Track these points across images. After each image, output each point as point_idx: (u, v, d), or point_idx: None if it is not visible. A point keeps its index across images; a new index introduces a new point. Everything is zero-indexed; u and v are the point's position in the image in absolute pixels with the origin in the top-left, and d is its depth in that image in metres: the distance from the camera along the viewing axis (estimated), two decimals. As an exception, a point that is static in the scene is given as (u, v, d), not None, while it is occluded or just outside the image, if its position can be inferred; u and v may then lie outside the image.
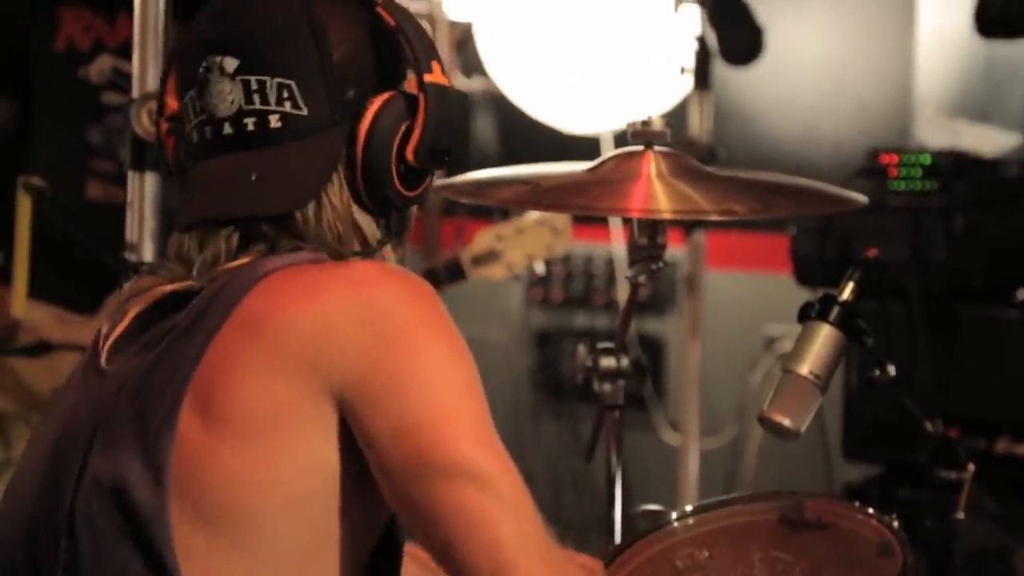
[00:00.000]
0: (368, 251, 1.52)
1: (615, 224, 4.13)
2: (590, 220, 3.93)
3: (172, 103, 1.58)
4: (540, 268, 3.10)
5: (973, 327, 3.13)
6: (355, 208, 1.50)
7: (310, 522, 1.42)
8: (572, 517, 3.83)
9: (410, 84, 1.52)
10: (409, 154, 1.49)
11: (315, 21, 1.49)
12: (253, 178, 1.47)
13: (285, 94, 1.47)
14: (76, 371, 1.55)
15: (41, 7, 2.94)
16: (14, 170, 2.63)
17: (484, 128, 4.46)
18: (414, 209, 1.60)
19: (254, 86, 1.47)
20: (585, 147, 3.84)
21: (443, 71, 1.52)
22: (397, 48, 1.52)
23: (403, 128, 1.49)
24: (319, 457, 1.41)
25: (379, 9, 1.52)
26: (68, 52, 2.91)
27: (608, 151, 2.00)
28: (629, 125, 1.94)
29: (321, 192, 1.48)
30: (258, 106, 1.48)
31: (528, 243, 3.02)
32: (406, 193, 1.52)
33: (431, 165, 1.52)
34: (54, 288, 2.70)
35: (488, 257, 3.02)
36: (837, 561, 1.84)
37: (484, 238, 3.03)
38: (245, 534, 1.40)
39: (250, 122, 1.48)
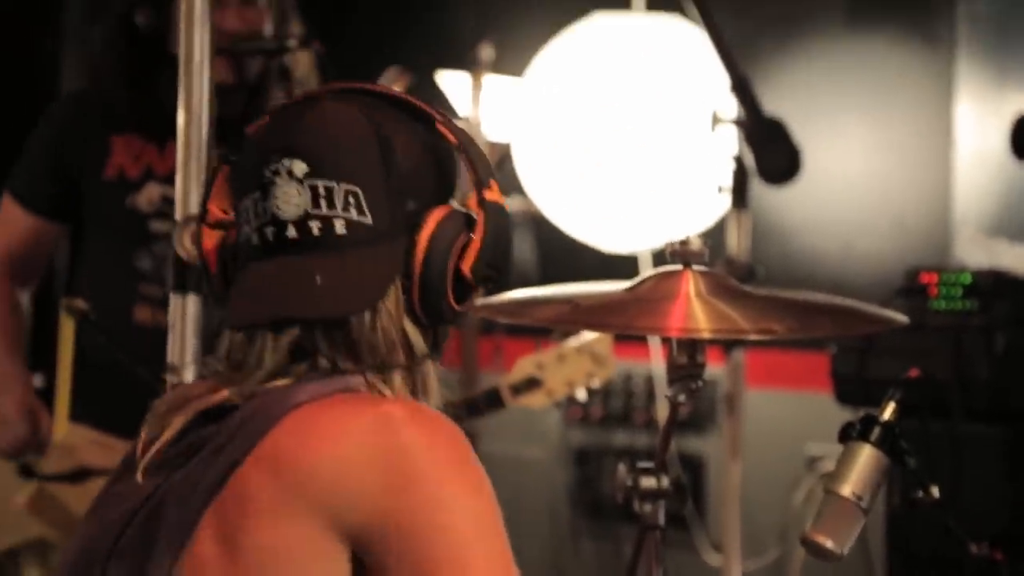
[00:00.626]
0: (414, 363, 1.53)
1: (654, 343, 4.12)
2: (629, 339, 3.93)
3: (216, 210, 1.60)
4: (581, 396, 3.09)
5: (1017, 446, 3.10)
6: (406, 319, 1.52)
7: None
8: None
9: (466, 200, 1.55)
10: (465, 268, 1.52)
11: (382, 134, 1.51)
12: (318, 281, 1.48)
13: (351, 200, 1.49)
14: (111, 479, 1.55)
15: (94, 134, 2.98)
16: (60, 293, 2.65)
17: (523, 248, 4.48)
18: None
19: (322, 191, 1.49)
20: (624, 266, 3.85)
21: (500, 189, 1.55)
22: (455, 164, 1.56)
23: (461, 243, 1.52)
24: None
25: (440, 127, 1.55)
26: (118, 179, 2.95)
27: (647, 270, 2.00)
28: (667, 244, 1.95)
29: (379, 300, 1.50)
30: (324, 211, 1.49)
31: (569, 371, 3.01)
32: (456, 307, 1.54)
33: (484, 281, 1.55)
34: (95, 412, 2.71)
35: (528, 385, 3.01)
36: None
37: (524, 366, 3.03)
38: None
39: (315, 226, 1.49)
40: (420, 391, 1.54)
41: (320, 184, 1.49)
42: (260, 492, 1.40)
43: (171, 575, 1.40)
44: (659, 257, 3.71)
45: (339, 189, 1.49)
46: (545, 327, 2.03)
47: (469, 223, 1.53)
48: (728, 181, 3.20)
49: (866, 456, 1.85)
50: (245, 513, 1.40)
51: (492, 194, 1.54)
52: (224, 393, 1.49)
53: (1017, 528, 3.04)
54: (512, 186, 4.24)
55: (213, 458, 1.44)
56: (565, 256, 4.18)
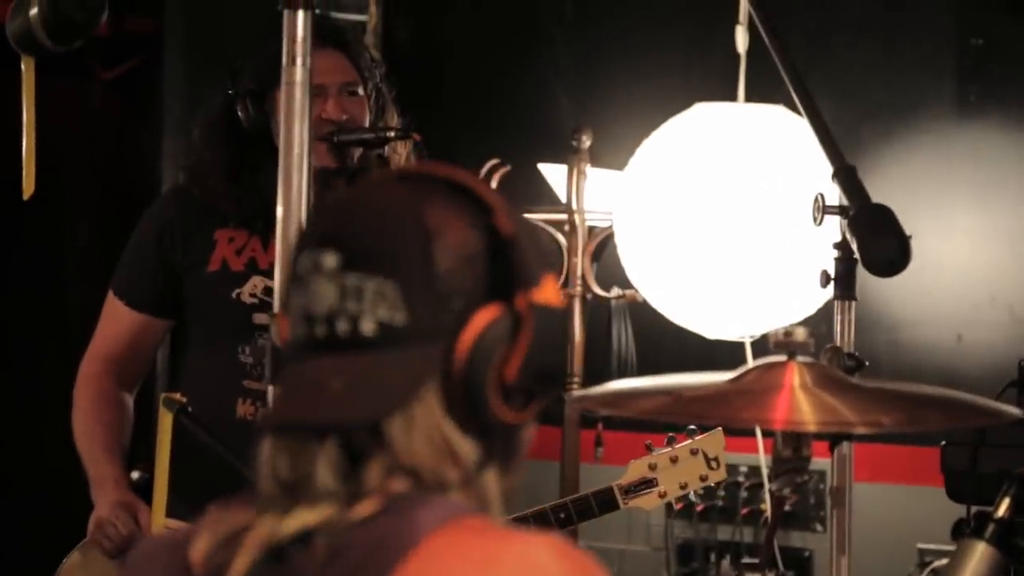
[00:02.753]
0: (466, 477, 1.42)
1: (758, 434, 4.06)
2: (733, 431, 3.87)
3: None
4: (694, 498, 3.05)
5: None
6: (450, 428, 1.41)
7: None
8: None
9: (519, 299, 1.43)
10: (509, 375, 1.41)
11: (428, 224, 1.42)
12: (336, 386, 1.39)
13: (384, 297, 1.39)
14: None
15: (197, 229, 3.00)
16: (160, 387, 2.66)
17: (623, 336, 4.44)
18: (526, 436, 1.51)
19: (350, 287, 1.39)
20: (728, 354, 3.80)
21: (555, 286, 1.45)
22: (511, 260, 1.44)
23: (505, 346, 1.41)
24: None
25: (496, 217, 1.44)
26: (222, 273, 2.96)
27: (749, 360, 1.97)
28: (772, 335, 1.92)
29: (410, 405, 1.39)
30: (352, 309, 1.40)
31: (683, 473, 2.98)
32: (508, 416, 1.43)
33: (535, 387, 1.44)
34: (193, 507, 2.71)
35: (641, 487, 2.98)
36: None
37: (637, 468, 3.00)
38: None
39: (341, 325, 1.40)
40: (479, 506, 1.43)
41: (349, 279, 1.40)
42: None
43: None
44: (761, 345, 3.67)
45: (370, 285, 1.39)
46: (647, 419, 2.00)
47: (517, 325, 1.41)
48: (833, 270, 3.15)
49: (980, 554, 1.80)
50: None
51: (543, 294, 1.43)
52: (303, 521, 1.38)
53: None
54: (613, 275, 4.22)
55: None
56: (667, 345, 4.14)
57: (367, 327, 1.40)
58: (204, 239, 3.00)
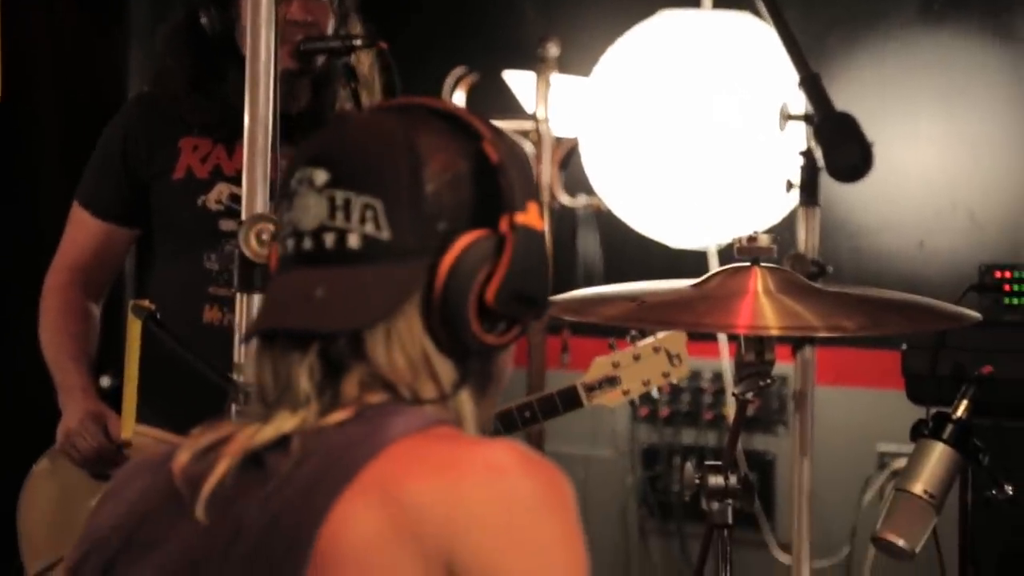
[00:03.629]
0: (442, 395, 1.45)
1: (723, 339, 4.10)
2: (698, 336, 3.91)
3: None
4: (656, 394, 3.09)
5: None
6: (430, 346, 1.44)
7: None
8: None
9: (503, 223, 1.46)
10: (489, 296, 1.43)
11: (415, 148, 1.45)
12: (318, 294, 1.42)
13: (369, 215, 1.43)
14: (153, 511, 1.47)
15: (161, 137, 2.99)
16: (128, 295, 2.66)
17: (589, 244, 4.46)
18: (504, 362, 1.53)
19: (339, 202, 1.44)
20: (692, 262, 3.83)
21: (540, 213, 1.48)
22: (496, 184, 1.47)
23: (487, 269, 1.44)
24: None
25: (486, 145, 1.47)
26: (187, 180, 2.95)
27: (715, 266, 1.99)
28: (736, 241, 1.94)
29: (391, 320, 1.43)
30: (339, 223, 1.44)
31: (645, 370, 3.00)
32: (487, 338, 1.45)
33: (514, 311, 1.46)
34: (163, 412, 2.72)
35: (604, 385, 3.01)
36: None
37: (600, 366, 3.02)
38: None
39: (329, 238, 1.44)
40: (454, 425, 1.46)
41: (338, 194, 1.44)
42: (367, 525, 1.34)
43: None
44: (727, 253, 3.69)
45: (357, 201, 1.43)
46: (612, 325, 2.02)
47: (500, 248, 1.44)
48: (797, 177, 3.17)
49: (938, 454, 1.84)
50: (350, 551, 1.34)
51: (527, 218, 1.45)
52: (279, 427, 1.42)
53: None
54: (579, 183, 4.23)
55: (306, 496, 1.37)
56: (632, 253, 4.16)
57: (353, 241, 1.43)
58: (169, 147, 2.99)
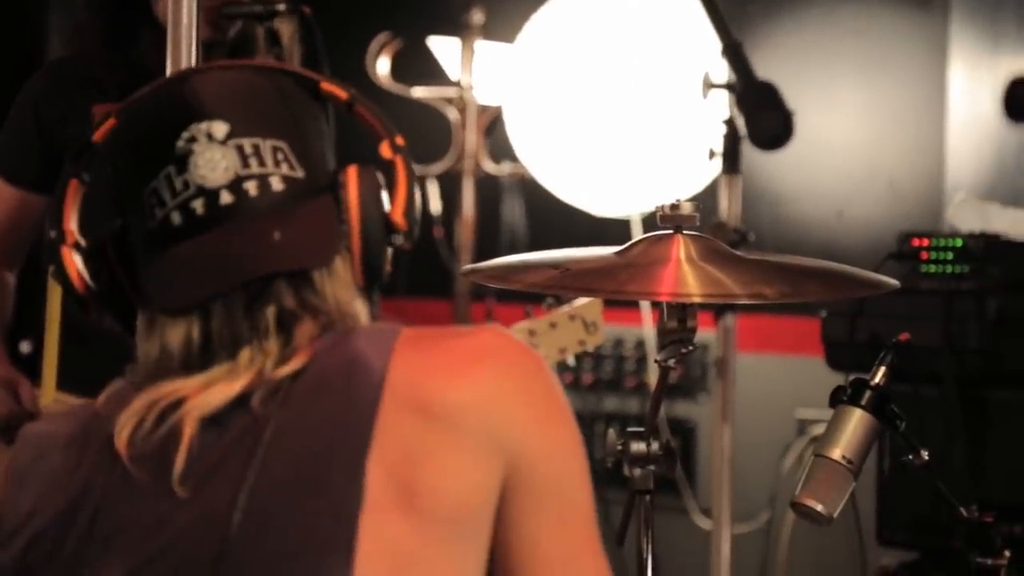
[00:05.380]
0: (367, 321, 1.46)
1: (645, 307, 4.12)
2: (620, 303, 3.93)
3: (74, 228, 1.50)
4: (571, 361, 3.10)
5: (1007, 411, 3.10)
6: (353, 278, 1.44)
7: None
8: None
9: (384, 149, 1.47)
10: (398, 217, 1.44)
11: (285, 94, 1.46)
12: (276, 237, 1.39)
13: (280, 156, 1.41)
14: (102, 495, 1.39)
15: (75, 102, 2.95)
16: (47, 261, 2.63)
17: (513, 212, 4.47)
18: None
19: (248, 149, 1.41)
20: (616, 231, 3.84)
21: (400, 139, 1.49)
22: (353, 122, 1.49)
23: (386, 194, 1.44)
24: (486, 551, 1.37)
25: (326, 87, 1.48)
26: None
27: (637, 234, 2.00)
28: (658, 209, 1.95)
29: (334, 257, 1.42)
30: (256, 170, 1.41)
31: (561, 338, 3.02)
32: (388, 267, 1.47)
33: (412, 234, 1.46)
34: (82, 379, 2.70)
35: None
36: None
37: (516, 333, 3.03)
38: None
39: (251, 187, 1.40)
40: None
41: (245, 142, 1.41)
42: (422, 442, 1.33)
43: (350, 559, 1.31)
44: (650, 222, 3.71)
45: (265, 145, 1.41)
46: (535, 292, 2.03)
47: (386, 175, 1.45)
48: (719, 145, 3.19)
49: (856, 420, 1.86)
50: (424, 471, 1.32)
51: (402, 140, 1.47)
52: (237, 385, 1.37)
53: (1008, 492, 3.04)
54: (503, 151, 4.23)
55: (331, 424, 1.34)
56: (556, 221, 4.18)
57: (276, 184, 1.41)
58: (83, 112, 2.95)
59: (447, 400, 1.34)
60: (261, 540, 1.33)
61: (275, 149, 1.41)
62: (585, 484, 1.41)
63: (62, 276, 1.50)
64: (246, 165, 1.41)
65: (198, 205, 1.41)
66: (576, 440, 1.41)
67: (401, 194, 1.45)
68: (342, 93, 1.49)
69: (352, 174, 1.43)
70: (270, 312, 1.39)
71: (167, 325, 1.42)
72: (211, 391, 1.37)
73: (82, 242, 1.49)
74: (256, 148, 1.41)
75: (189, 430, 1.36)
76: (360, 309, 1.44)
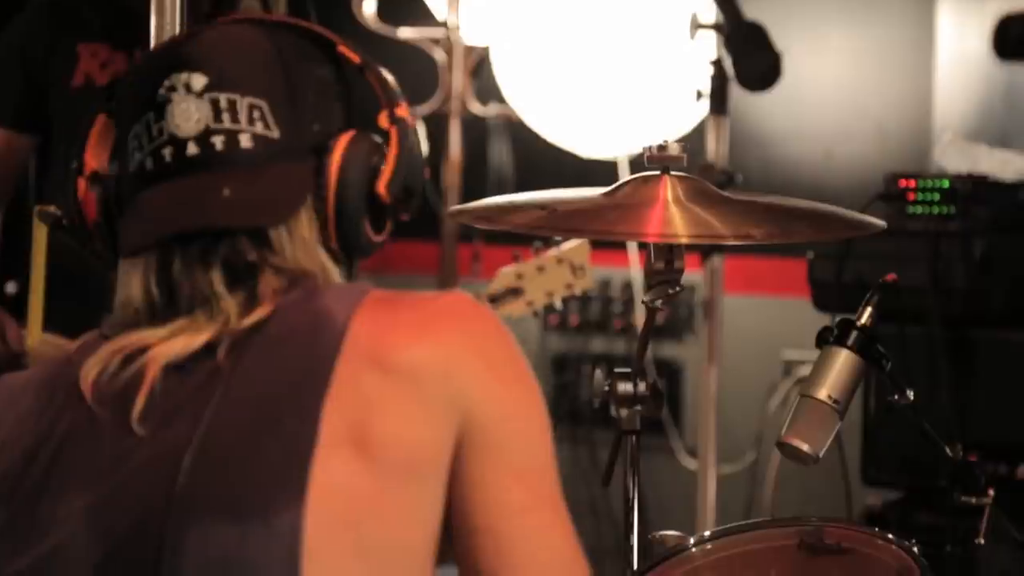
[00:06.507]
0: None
1: (632, 249, 4.12)
2: (607, 245, 3.93)
3: (92, 161, 1.52)
4: (559, 304, 3.11)
5: (993, 351, 3.12)
6: (321, 250, 1.45)
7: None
8: (589, 542, 3.82)
9: (376, 121, 1.48)
10: (381, 189, 1.45)
11: (282, 53, 1.46)
12: (225, 193, 1.41)
13: (256, 114, 1.43)
14: (67, 434, 1.41)
15: (60, 43, 2.93)
16: (33, 203, 2.62)
17: (500, 154, 4.46)
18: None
19: (223, 104, 1.42)
20: (603, 172, 3.84)
21: (408, 111, 1.50)
22: (361, 88, 1.49)
23: (375, 163, 1.46)
24: (440, 503, 1.40)
25: (341, 49, 1.49)
26: (86, 88, 2.90)
27: (625, 176, 2.00)
28: (646, 150, 1.94)
29: (292, 218, 1.43)
30: (228, 125, 1.42)
31: (549, 281, 3.02)
32: (372, 237, 1.47)
33: (401, 204, 1.48)
34: (69, 319, 2.69)
35: (508, 295, 3.02)
36: (857, 587, 1.83)
37: (504, 276, 3.03)
38: None
39: (218, 141, 1.42)
40: None
41: (222, 97, 1.42)
42: (382, 395, 1.36)
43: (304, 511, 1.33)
44: (638, 162, 3.71)
45: (243, 102, 1.42)
46: (523, 234, 2.03)
47: (381, 144, 1.47)
48: (707, 86, 3.18)
49: (842, 360, 1.86)
50: (377, 420, 1.35)
51: (402, 112, 1.48)
52: (202, 336, 1.39)
53: (992, 432, 3.06)
54: (490, 92, 4.21)
55: (292, 372, 1.36)
56: (544, 163, 4.17)
57: (245, 141, 1.43)
58: (67, 52, 2.93)
59: (406, 357, 1.37)
60: (213, 479, 1.35)
61: (252, 107, 1.43)
62: (543, 441, 1.43)
63: (73, 205, 1.52)
64: (218, 119, 1.42)
65: (167, 153, 1.43)
66: (534, 400, 1.43)
67: (389, 166, 1.46)
68: (354, 57, 1.49)
69: (342, 141, 1.45)
70: (228, 265, 1.41)
71: (128, 270, 1.45)
72: (176, 340, 1.40)
73: (97, 175, 1.52)
74: (232, 104, 1.42)
75: (152, 374, 1.38)
76: (328, 269, 1.45)
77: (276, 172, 1.43)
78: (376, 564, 1.35)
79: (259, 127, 1.42)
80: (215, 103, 1.42)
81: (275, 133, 1.43)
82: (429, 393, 1.37)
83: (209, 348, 1.39)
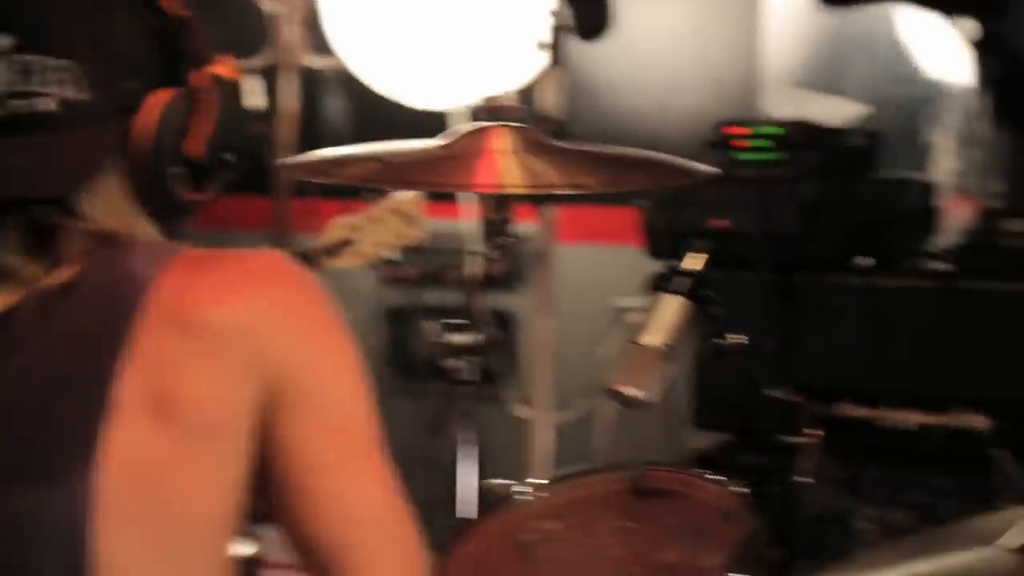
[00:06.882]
0: None
1: (467, 200, 4.13)
2: (443, 196, 3.93)
3: None
4: (393, 256, 3.10)
5: (820, 295, 3.18)
6: (133, 208, 1.42)
7: (225, 538, 1.39)
8: (423, 495, 3.84)
9: (193, 79, 1.44)
10: (194, 148, 1.43)
11: (101, 5, 1.42)
12: (19, 160, 1.37)
13: (65, 77, 1.39)
14: None
15: None
16: None
17: (336, 107, 4.42)
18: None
19: (28, 66, 1.38)
20: (443, 125, 3.83)
21: (235, 67, 1.47)
22: (182, 41, 1.45)
23: (184, 123, 1.43)
24: (244, 464, 1.38)
25: (163, 1, 1.45)
26: None
27: (461, 127, 2.00)
28: (480, 101, 1.95)
29: (94, 182, 1.40)
30: (32, 88, 1.38)
31: (381, 232, 3.01)
32: (185, 195, 1.44)
33: (218, 165, 1.45)
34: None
35: (341, 247, 3.01)
36: (685, 528, 1.87)
37: (336, 228, 3.01)
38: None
39: (20, 105, 1.38)
40: None
41: (31, 59, 1.38)
42: (181, 356, 1.33)
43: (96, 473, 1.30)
44: (475, 115, 3.70)
45: (47, 63, 1.38)
46: (358, 187, 2.02)
47: (195, 102, 1.43)
48: (544, 36, 3.19)
49: (672, 306, 1.89)
50: (175, 382, 1.33)
51: (224, 70, 1.45)
52: (2, 301, 1.36)
53: (819, 373, 3.13)
54: (326, 44, 4.18)
55: (88, 337, 1.33)
56: (381, 116, 4.14)
57: (48, 104, 1.38)
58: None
59: (210, 317, 1.35)
60: (2, 442, 1.33)
61: (61, 69, 1.39)
62: (359, 397, 1.42)
63: None
64: (22, 82, 1.38)
65: None
66: (348, 357, 1.42)
67: (204, 124, 1.43)
68: (177, 8, 1.45)
69: (153, 99, 1.41)
70: (26, 231, 1.38)
71: None
72: None
73: None
74: (38, 66, 1.38)
75: None
76: (142, 228, 1.43)
77: (81, 136, 1.39)
78: (174, 528, 1.34)
79: (66, 90, 1.38)
80: (22, 65, 1.38)
81: (84, 95, 1.39)
82: (233, 354, 1.35)
83: (12, 312, 1.36)
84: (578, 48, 3.41)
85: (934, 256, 3.24)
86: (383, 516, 1.42)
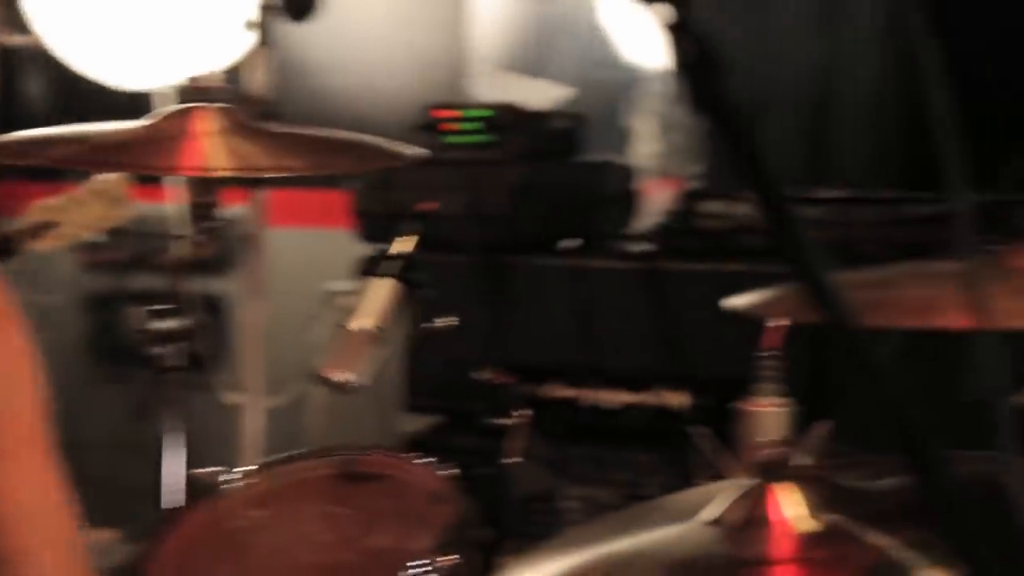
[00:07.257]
0: None
1: (173, 183, 4.05)
2: (148, 179, 3.84)
3: None
4: (96, 239, 3.02)
5: (525, 277, 3.23)
6: None
7: None
8: (127, 483, 3.77)
9: None
10: None
11: None
12: None
13: None
14: None
15: None
16: None
17: (35, 86, 4.28)
18: None
19: None
20: (146, 106, 3.74)
21: None
22: None
23: None
24: None
25: None
26: None
27: (166, 108, 1.96)
28: (186, 81, 1.91)
29: None
30: None
31: (84, 214, 2.93)
32: None
33: None
34: None
35: (41, 230, 2.92)
36: (393, 512, 1.87)
37: (36, 211, 2.92)
38: None
39: None
40: None
41: None
42: None
43: None
44: (183, 96, 3.63)
45: None
46: (61, 168, 1.96)
47: None
48: (254, 16, 3.15)
49: (383, 289, 1.90)
50: None
51: None
52: None
53: (528, 354, 3.17)
54: (19, 21, 4.03)
55: None
56: (86, 95, 4.02)
57: None
58: None
59: None
60: None
61: None
62: (22, 386, 1.40)
63: None
64: None
65: None
66: (9, 344, 1.40)
67: None
68: None
69: None
70: None
71: None
72: None
73: None
74: None
75: None
76: None
77: None
78: None
79: None
80: None
81: None
82: None
83: None
84: (287, 28, 3.38)
85: (636, 237, 3.32)
86: (47, 506, 1.40)
